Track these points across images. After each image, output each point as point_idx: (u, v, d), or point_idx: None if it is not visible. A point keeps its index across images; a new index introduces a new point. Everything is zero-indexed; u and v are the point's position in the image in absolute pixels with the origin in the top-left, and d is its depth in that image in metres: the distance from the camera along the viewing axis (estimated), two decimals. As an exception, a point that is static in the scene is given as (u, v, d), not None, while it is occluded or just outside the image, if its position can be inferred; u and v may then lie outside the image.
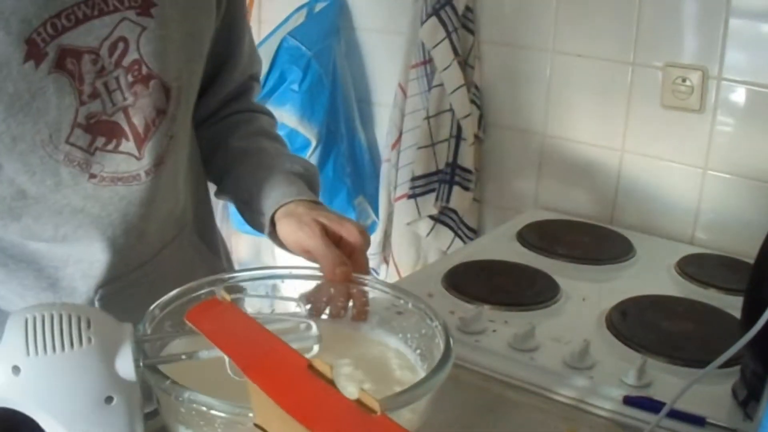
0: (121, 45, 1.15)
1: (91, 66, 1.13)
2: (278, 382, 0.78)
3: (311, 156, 2.58)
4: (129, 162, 1.21)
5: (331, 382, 0.78)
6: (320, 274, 1.20)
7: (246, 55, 1.50)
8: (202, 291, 1.10)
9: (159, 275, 1.34)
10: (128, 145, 1.19)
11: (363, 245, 1.26)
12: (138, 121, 1.19)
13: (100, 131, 1.16)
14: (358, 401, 0.74)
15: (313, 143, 2.58)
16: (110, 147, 1.18)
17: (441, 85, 2.33)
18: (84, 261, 1.25)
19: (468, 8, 2.33)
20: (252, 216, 1.40)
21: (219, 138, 1.50)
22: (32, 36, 1.08)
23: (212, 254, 1.53)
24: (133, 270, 1.30)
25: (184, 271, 1.29)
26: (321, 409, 0.75)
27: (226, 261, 1.59)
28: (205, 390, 0.87)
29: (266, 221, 1.34)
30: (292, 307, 1.12)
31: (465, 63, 2.35)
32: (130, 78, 1.17)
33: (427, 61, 2.38)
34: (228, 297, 0.87)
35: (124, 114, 1.17)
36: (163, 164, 1.26)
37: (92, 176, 1.18)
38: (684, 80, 2.05)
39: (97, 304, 1.26)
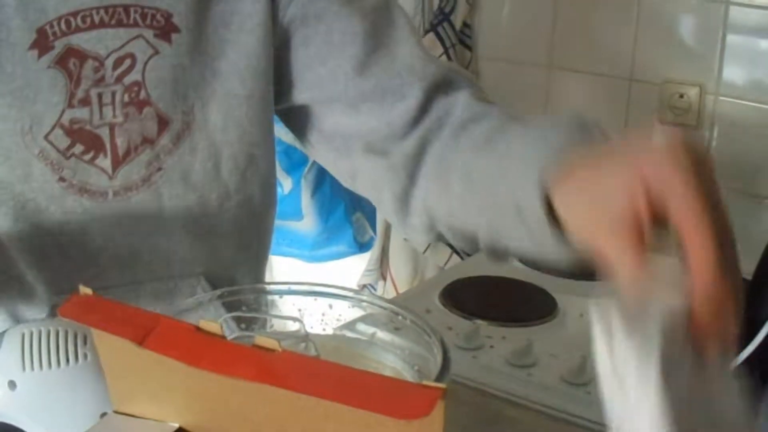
0: (128, 61, 1.14)
1: (92, 73, 1.12)
2: (175, 346, 0.79)
3: (309, 172, 2.57)
4: (100, 177, 1.17)
5: (223, 338, 0.79)
6: (323, 290, 1.19)
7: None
8: (200, 307, 1.10)
9: None
10: (104, 161, 1.16)
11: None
12: (121, 142, 1.16)
13: (80, 139, 1.14)
14: (256, 345, 0.76)
15: (311, 159, 2.58)
16: (86, 158, 1.15)
17: (439, 100, 2.34)
18: (36, 267, 1.19)
19: (465, 24, 2.34)
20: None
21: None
22: (44, 27, 1.09)
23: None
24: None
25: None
26: (223, 356, 0.77)
27: None
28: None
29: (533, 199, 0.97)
30: (291, 325, 1.12)
31: (463, 79, 2.36)
32: (126, 97, 1.14)
33: (425, 77, 2.38)
34: (89, 291, 0.86)
35: (109, 130, 1.15)
36: (138, 193, 1.19)
37: (62, 179, 1.15)
38: (681, 96, 2.05)
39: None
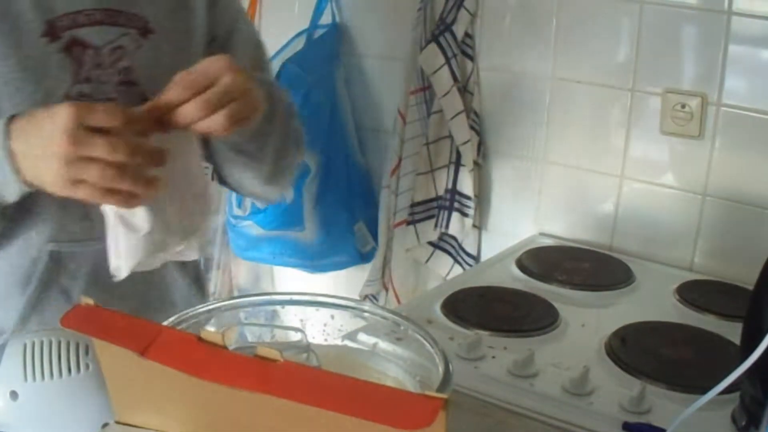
0: (119, 51, 1.42)
1: (92, 59, 1.39)
2: (177, 357, 0.79)
3: (311, 182, 2.57)
4: None
5: (225, 348, 0.79)
6: (325, 300, 1.20)
7: None
8: (200, 317, 1.10)
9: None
10: None
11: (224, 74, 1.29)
12: None
13: None
14: (258, 356, 0.76)
15: (313, 169, 2.57)
16: None
17: (440, 111, 2.34)
18: (41, 214, 1.39)
19: (467, 34, 2.34)
20: None
21: None
22: (53, 20, 1.35)
23: (187, 281, 1.62)
24: (82, 239, 1.43)
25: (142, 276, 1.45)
26: (225, 367, 0.77)
27: (200, 296, 1.68)
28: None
29: None
30: (292, 336, 1.12)
31: (464, 89, 2.35)
32: (120, 78, 1.41)
33: (427, 88, 2.38)
34: (91, 301, 0.87)
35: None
36: None
37: None
38: (683, 106, 2.05)
39: (46, 260, 1.41)
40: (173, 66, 1.41)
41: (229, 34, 1.61)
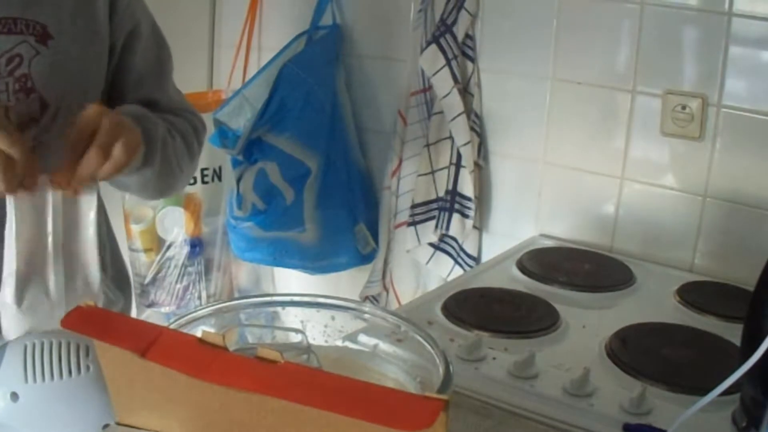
0: (17, 59, 1.44)
1: None
2: (177, 358, 0.79)
3: (312, 183, 2.57)
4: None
5: (225, 349, 0.79)
6: (325, 301, 1.20)
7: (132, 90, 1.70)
8: (203, 318, 1.10)
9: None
10: None
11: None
12: (14, 119, 1.41)
13: None
14: (258, 357, 0.76)
15: (313, 170, 2.58)
16: None
17: (441, 112, 2.34)
18: None
19: (468, 36, 2.34)
20: None
21: None
22: None
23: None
24: None
25: None
26: (225, 368, 0.77)
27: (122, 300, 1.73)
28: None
29: None
30: (293, 337, 1.12)
31: (465, 90, 2.35)
32: (17, 86, 1.44)
33: (427, 89, 2.38)
34: (92, 303, 0.87)
35: (5, 112, 1.40)
36: None
37: None
38: (684, 107, 2.05)
39: None
40: (76, 70, 1.53)
41: (127, 42, 1.64)
